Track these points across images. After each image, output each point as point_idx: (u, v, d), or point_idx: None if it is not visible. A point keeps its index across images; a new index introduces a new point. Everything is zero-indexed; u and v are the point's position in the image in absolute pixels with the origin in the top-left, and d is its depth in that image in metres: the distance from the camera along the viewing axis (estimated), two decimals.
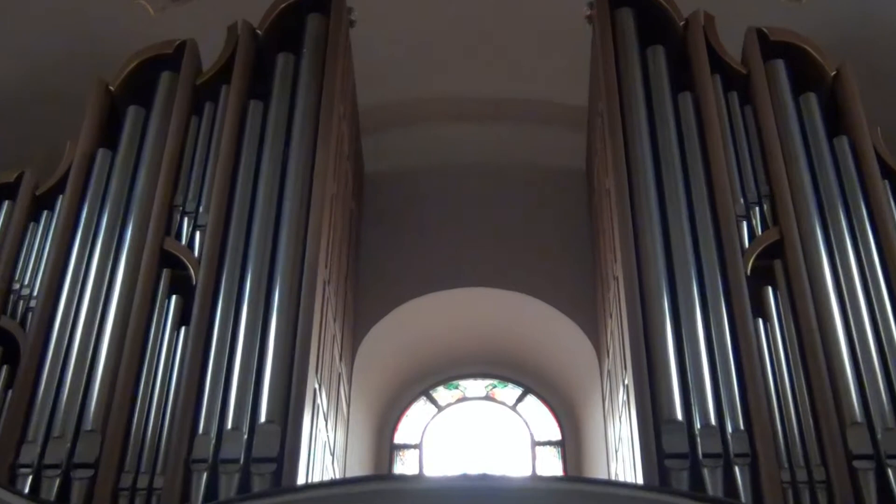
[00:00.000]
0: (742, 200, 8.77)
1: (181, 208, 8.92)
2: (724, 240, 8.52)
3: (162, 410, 7.91)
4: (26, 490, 7.50)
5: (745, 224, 8.65)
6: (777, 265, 8.45)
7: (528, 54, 11.33)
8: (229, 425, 7.70)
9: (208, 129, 9.40)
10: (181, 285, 8.53)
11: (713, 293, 8.24)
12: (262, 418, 7.72)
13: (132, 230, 8.78)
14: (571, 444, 11.07)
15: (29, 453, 7.68)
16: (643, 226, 8.65)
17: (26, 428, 7.81)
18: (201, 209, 8.87)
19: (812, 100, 9.37)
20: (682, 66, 9.69)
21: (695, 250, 8.49)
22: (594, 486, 7.22)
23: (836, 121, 9.35)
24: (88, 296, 8.43)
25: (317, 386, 8.38)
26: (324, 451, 8.74)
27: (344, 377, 10.03)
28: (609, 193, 9.35)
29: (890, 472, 7.37)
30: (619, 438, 8.92)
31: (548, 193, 11.66)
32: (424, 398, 11.59)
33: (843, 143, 9.10)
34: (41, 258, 8.79)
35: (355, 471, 10.23)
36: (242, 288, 8.40)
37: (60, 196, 9.14)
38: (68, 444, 7.71)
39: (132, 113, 9.56)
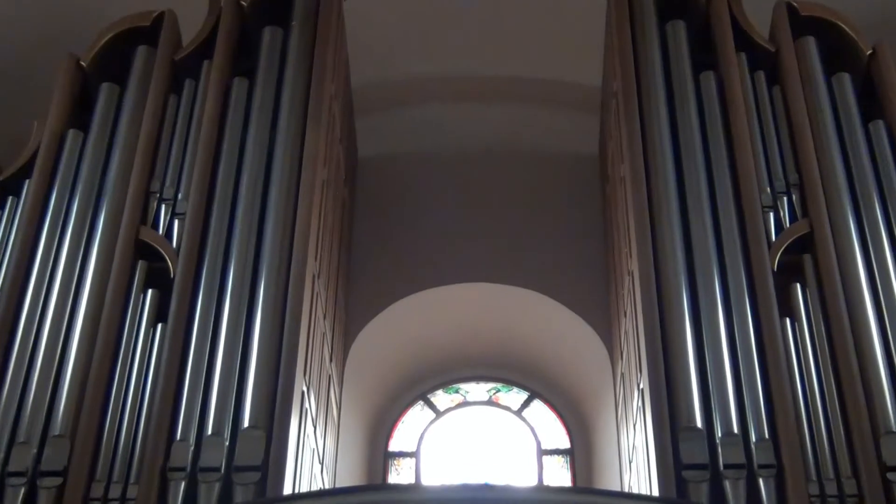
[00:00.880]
0: (769, 190, 8.76)
1: (158, 195, 8.91)
2: (748, 232, 8.51)
3: (136, 414, 7.91)
4: None
5: (771, 215, 8.64)
6: (806, 260, 8.44)
7: (537, 29, 11.32)
8: (209, 431, 7.70)
9: (188, 109, 9.39)
10: (158, 278, 8.53)
11: (736, 290, 8.23)
12: (246, 423, 7.72)
13: (105, 218, 8.76)
14: (581, 453, 11.08)
15: None
16: (661, 217, 8.65)
17: None
18: (180, 196, 8.86)
19: (846, 80, 9.35)
20: (705, 42, 9.68)
21: (717, 243, 8.49)
22: (605, 498, 7.22)
23: (872, 103, 9.33)
24: (57, 289, 8.42)
25: (305, 389, 8.37)
26: (312, 460, 8.74)
27: (334, 379, 10.03)
28: (624, 181, 9.35)
29: None
30: (633, 447, 8.92)
31: (557, 181, 11.65)
32: (422, 403, 11.59)
33: (878, 127, 9.08)
34: (5, 248, 8.77)
35: (346, 481, 10.25)
36: (224, 282, 8.39)
37: (27, 181, 9.13)
38: (34, 451, 7.71)
39: (105, 91, 9.54)
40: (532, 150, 11.77)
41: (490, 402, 11.60)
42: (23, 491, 7.57)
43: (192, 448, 7.66)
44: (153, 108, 9.35)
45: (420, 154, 11.80)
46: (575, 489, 9.85)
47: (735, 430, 7.63)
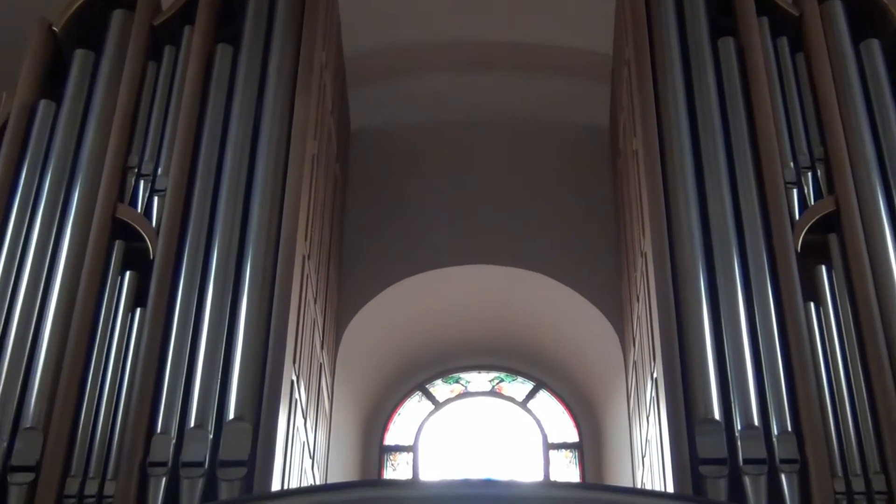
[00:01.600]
0: (792, 165, 8.74)
1: (136, 170, 8.90)
2: (770, 211, 8.50)
3: (114, 405, 7.91)
4: None
5: (795, 192, 8.63)
6: (832, 240, 8.44)
7: None
8: (192, 423, 7.70)
9: (168, 78, 9.37)
10: (136, 259, 8.52)
11: (757, 272, 8.22)
12: (231, 415, 7.72)
13: (79, 195, 8.75)
14: (590, 447, 11.10)
15: None
16: (676, 194, 8.64)
17: None
18: (160, 171, 8.85)
19: (875, 47, 9.33)
20: (724, 6, 9.66)
21: (736, 223, 8.48)
22: (616, 495, 7.21)
23: None
24: (28, 272, 8.41)
25: (294, 378, 8.38)
26: (302, 454, 8.75)
27: (326, 368, 10.04)
28: (636, 156, 9.33)
29: None
30: (647, 441, 8.93)
31: (565, 156, 11.65)
32: (419, 393, 11.61)
33: None
34: None
35: (339, 476, 10.26)
36: (208, 263, 8.39)
37: None
38: (4, 444, 7.70)
39: (79, 58, 9.51)
40: (538, 122, 11.76)
41: (493, 393, 11.61)
42: None
43: (174, 441, 7.66)
44: (131, 76, 9.33)
45: (417, 127, 11.79)
46: (584, 485, 9.84)
47: (755, 422, 7.63)
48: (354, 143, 11.76)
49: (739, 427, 7.63)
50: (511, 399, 11.53)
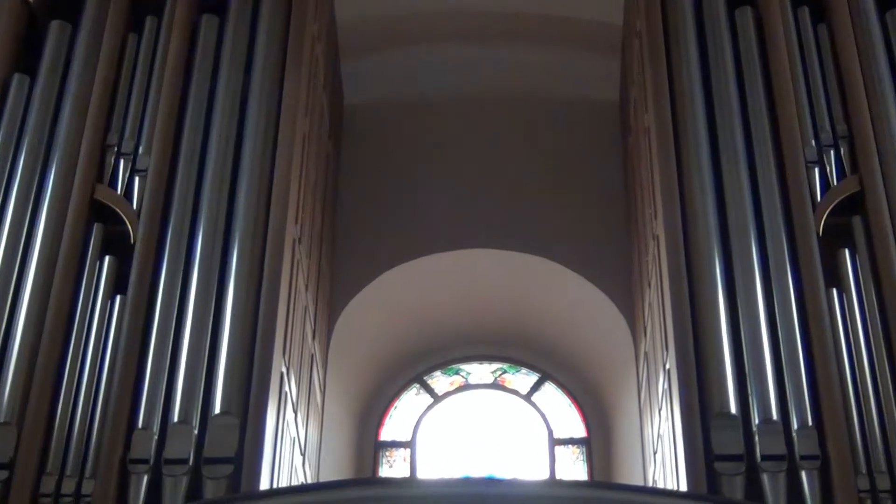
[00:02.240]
0: (814, 143, 8.73)
1: (116, 149, 8.89)
2: (790, 191, 8.50)
3: (92, 399, 7.90)
4: None
5: (816, 172, 8.62)
6: (856, 222, 8.42)
7: None
8: (176, 418, 7.70)
9: (149, 51, 9.35)
10: (116, 244, 8.52)
11: (777, 257, 8.22)
12: (217, 409, 7.72)
13: (55, 175, 8.73)
14: (599, 443, 11.12)
15: None
16: (690, 173, 8.63)
17: None
18: (141, 150, 8.84)
19: None
20: None
21: (754, 204, 8.47)
22: (626, 493, 7.20)
23: None
24: (0, 256, 8.39)
25: (284, 370, 8.38)
26: (293, 450, 8.76)
27: (318, 359, 10.04)
28: (648, 133, 9.32)
29: None
30: (658, 436, 8.94)
31: (572, 133, 11.64)
32: (417, 386, 11.62)
33: None
34: None
35: (332, 474, 10.27)
36: (192, 248, 8.39)
37: None
38: None
39: (55, 29, 9.49)
40: (543, 97, 11.75)
41: (495, 385, 11.62)
42: None
43: (156, 437, 7.66)
44: (110, 49, 9.31)
45: (415, 102, 11.78)
46: (592, 484, 9.86)
47: (774, 416, 7.63)
48: (348, 120, 11.74)
49: (757, 421, 7.63)
50: (514, 392, 11.54)
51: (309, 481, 9.42)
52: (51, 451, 7.71)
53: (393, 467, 11.14)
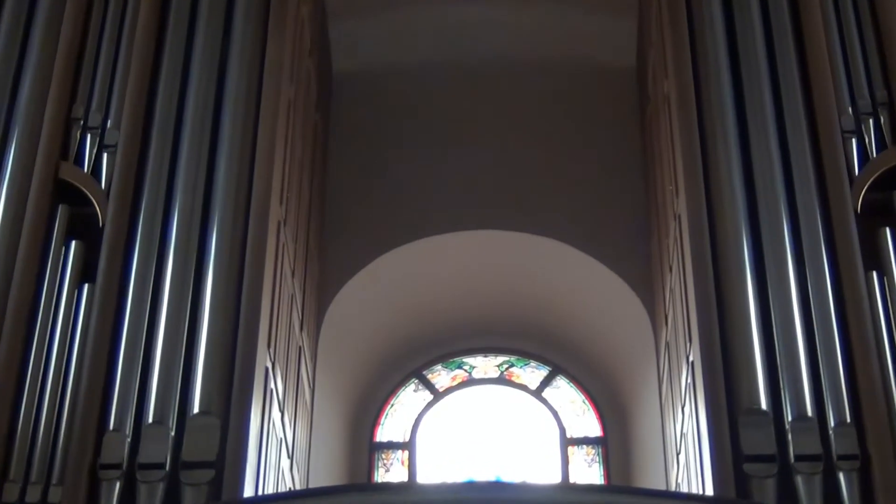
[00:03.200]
0: (851, 111, 8.71)
1: (82, 122, 8.87)
2: (825, 164, 8.50)
3: (58, 398, 7.90)
4: None
5: (854, 143, 8.60)
6: None
7: None
8: (150, 419, 7.71)
9: (118, 13, 9.33)
10: (83, 227, 8.51)
11: (810, 237, 8.22)
12: (195, 409, 7.73)
13: (15, 152, 8.70)
14: (616, 443, 11.14)
15: None
16: (715, 145, 8.63)
17: None
18: (109, 124, 8.83)
19: None
20: None
21: (785, 179, 8.47)
22: (646, 498, 7.23)
23: None
24: None
25: (269, 365, 8.39)
26: (279, 453, 8.77)
27: (306, 352, 10.05)
28: (668, 101, 9.32)
29: None
30: (682, 435, 8.95)
31: (584, 102, 11.65)
32: (416, 381, 11.64)
33: None
34: None
35: (322, 479, 10.29)
36: (167, 231, 8.39)
37: None
38: None
39: None
40: (552, 63, 11.75)
41: (501, 380, 11.65)
42: None
43: (129, 440, 7.66)
44: (74, 12, 9.28)
45: (411, 69, 11.78)
46: (608, 488, 9.88)
47: (809, 412, 7.63)
48: (338, 88, 11.74)
49: (790, 418, 7.63)
50: (523, 387, 11.57)
51: (297, 487, 9.44)
52: (14, 456, 7.69)
53: (390, 471, 11.17)
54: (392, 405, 11.50)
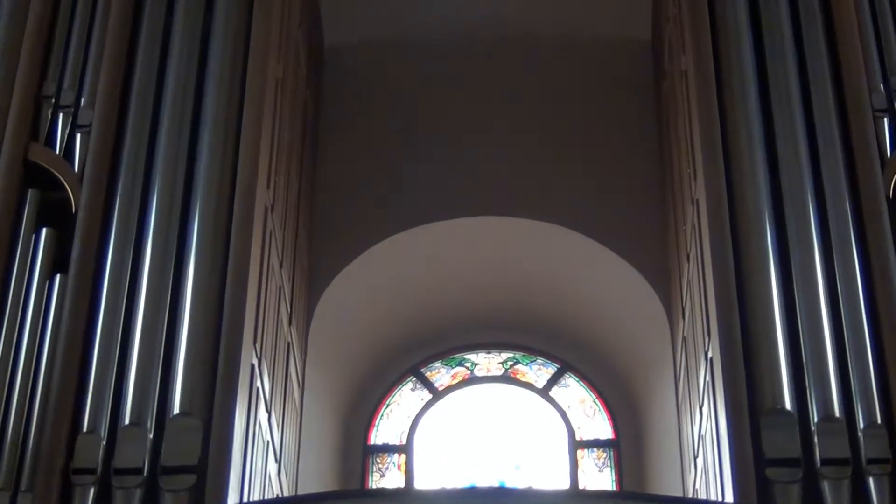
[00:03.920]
0: (882, 88, 8.73)
1: (54, 101, 8.87)
2: (854, 145, 8.50)
3: (28, 398, 7.90)
4: None
5: (885, 122, 8.62)
6: None
7: None
8: (127, 420, 7.71)
9: None
10: (55, 213, 8.51)
11: (839, 224, 8.22)
12: (176, 409, 7.73)
13: None
14: (629, 445, 11.15)
15: None
16: (736, 125, 8.63)
17: None
18: (83, 102, 8.83)
19: None
20: None
21: (812, 161, 8.48)
22: None
23: None
24: None
25: (255, 362, 8.39)
26: (266, 457, 8.77)
27: (295, 348, 10.05)
28: (686, 77, 9.32)
29: None
30: (700, 437, 8.95)
31: (594, 79, 11.65)
32: (413, 379, 11.65)
33: None
34: None
35: (313, 484, 10.29)
36: (145, 217, 8.39)
37: None
38: None
39: None
40: (562, 36, 11.74)
41: (506, 378, 11.65)
42: None
43: (104, 443, 7.66)
44: None
45: (409, 42, 11.76)
46: (621, 494, 9.90)
47: (837, 413, 7.64)
48: (330, 64, 11.73)
49: (816, 419, 7.64)
50: (529, 386, 11.57)
51: (285, 493, 9.44)
52: None
53: (385, 476, 11.18)
54: (388, 405, 11.51)
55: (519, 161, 11.26)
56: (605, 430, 11.32)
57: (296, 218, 10.09)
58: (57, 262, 8.35)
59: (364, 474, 11.12)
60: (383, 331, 11.48)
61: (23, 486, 7.63)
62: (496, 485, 10.51)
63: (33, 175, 8.65)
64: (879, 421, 7.62)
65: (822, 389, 7.71)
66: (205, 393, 7.81)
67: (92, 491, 7.55)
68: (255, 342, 8.36)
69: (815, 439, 7.58)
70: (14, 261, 8.31)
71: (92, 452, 7.63)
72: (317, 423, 10.72)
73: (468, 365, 11.71)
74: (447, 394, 11.59)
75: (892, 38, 8.91)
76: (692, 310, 9.26)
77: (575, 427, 11.30)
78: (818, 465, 7.52)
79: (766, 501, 7.46)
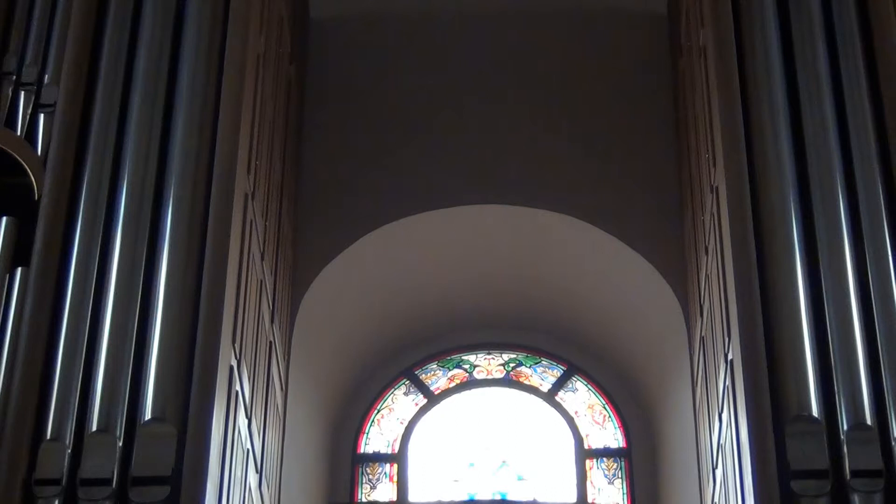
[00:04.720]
0: None
1: (14, 78, 8.89)
2: (889, 129, 8.50)
3: None
4: None
5: None
6: None
7: None
8: (94, 426, 7.71)
9: None
10: (16, 200, 8.52)
11: (871, 214, 8.23)
12: (147, 415, 7.73)
13: None
14: (641, 455, 11.17)
15: None
16: (759, 105, 8.64)
17: None
18: (47, 79, 8.84)
19: None
20: None
21: (841, 146, 8.48)
22: None
23: None
24: None
25: (234, 363, 8.39)
26: (245, 466, 8.78)
27: (278, 349, 10.05)
28: (705, 54, 9.32)
29: None
30: (719, 446, 8.96)
31: (606, 55, 11.65)
32: (407, 382, 11.65)
33: None
34: None
35: (296, 496, 10.31)
36: (114, 205, 8.39)
37: None
38: None
39: None
40: (568, 10, 11.73)
41: (508, 382, 11.66)
42: None
43: (70, 452, 7.66)
44: None
45: (403, 15, 11.75)
46: None
47: (868, 420, 7.64)
48: (316, 38, 11.72)
49: (846, 427, 7.64)
50: (533, 390, 11.58)
51: None
52: None
53: (376, 488, 11.19)
54: (379, 410, 11.52)
55: (522, 145, 11.26)
56: (615, 439, 11.34)
57: (279, 205, 10.09)
58: (18, 254, 8.35)
59: (353, 486, 11.13)
60: (374, 329, 11.49)
61: None
62: (497, 498, 10.52)
63: None
64: None
65: (853, 395, 7.71)
66: (179, 397, 7.80)
67: (56, 503, 7.56)
68: (234, 341, 8.36)
69: (845, 449, 7.58)
70: None
71: (56, 462, 7.62)
72: (301, 430, 10.72)
73: (467, 367, 11.73)
74: (444, 398, 11.60)
75: None
76: (711, 307, 9.27)
77: (583, 435, 11.32)
78: (848, 477, 7.51)
79: None
